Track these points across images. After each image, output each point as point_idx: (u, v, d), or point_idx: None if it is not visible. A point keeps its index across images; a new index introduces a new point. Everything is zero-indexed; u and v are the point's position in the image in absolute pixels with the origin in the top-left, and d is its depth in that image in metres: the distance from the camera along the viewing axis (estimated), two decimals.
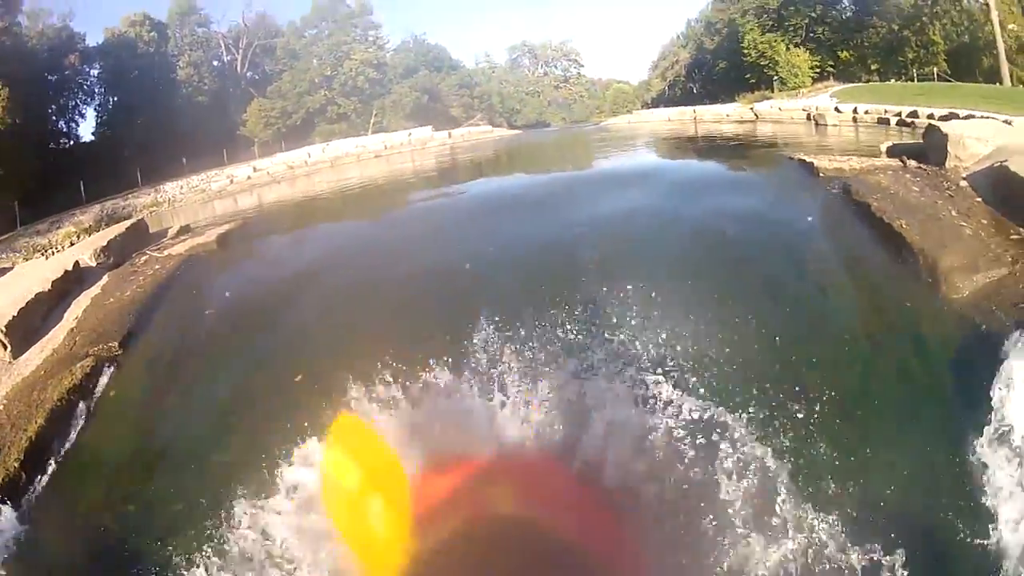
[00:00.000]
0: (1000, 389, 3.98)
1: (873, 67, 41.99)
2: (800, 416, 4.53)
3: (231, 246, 11.14)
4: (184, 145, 36.36)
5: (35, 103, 33.66)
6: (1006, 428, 3.83)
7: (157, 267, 9.65)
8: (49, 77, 37.78)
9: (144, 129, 38.49)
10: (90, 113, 42.24)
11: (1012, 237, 5.59)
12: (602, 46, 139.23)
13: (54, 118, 39.36)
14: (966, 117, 13.77)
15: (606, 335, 5.54)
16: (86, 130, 42.56)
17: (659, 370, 5.01)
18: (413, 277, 7.71)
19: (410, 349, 5.61)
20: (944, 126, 7.89)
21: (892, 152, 9.80)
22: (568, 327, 5.70)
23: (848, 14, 46.33)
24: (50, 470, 5.39)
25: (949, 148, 7.30)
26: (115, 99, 41.61)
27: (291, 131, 47.67)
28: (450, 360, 5.42)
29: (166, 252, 10.58)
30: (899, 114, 23.70)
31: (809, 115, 29.37)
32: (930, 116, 20.58)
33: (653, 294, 5.97)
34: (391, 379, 5.31)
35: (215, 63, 49.97)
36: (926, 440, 4.19)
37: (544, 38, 70.19)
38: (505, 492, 4.62)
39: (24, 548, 4.61)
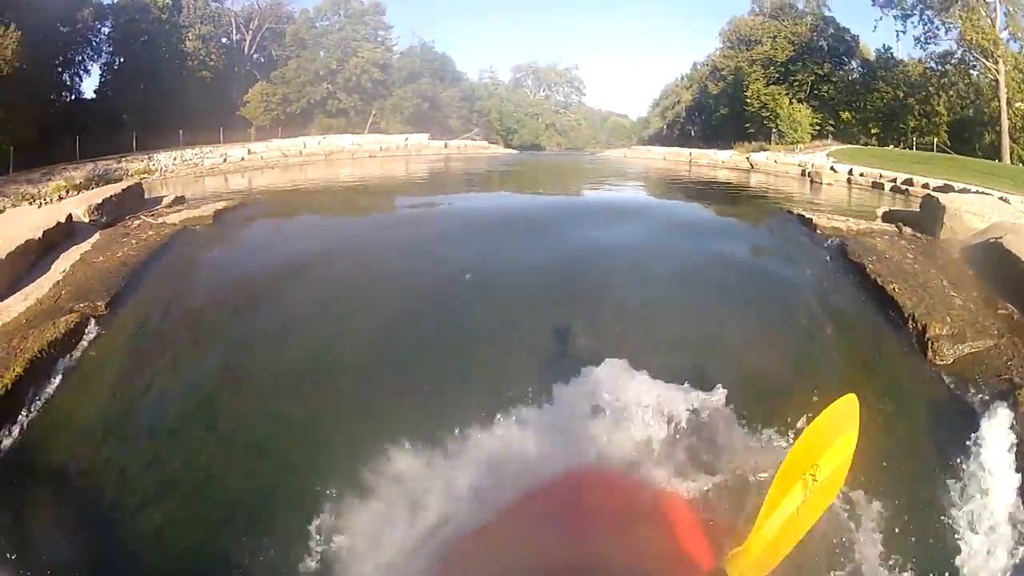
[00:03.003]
0: (978, 451, 4.18)
1: (873, 131, 42.68)
2: None
3: (228, 223, 11.06)
4: (183, 118, 36.01)
5: (44, 53, 33.13)
6: (982, 489, 4.04)
7: (151, 233, 9.53)
8: (61, 28, 37.09)
9: (145, 95, 38.23)
10: (95, 71, 41.66)
11: (1000, 311, 5.78)
12: (605, 77, 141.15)
13: (59, 71, 38.64)
14: (961, 190, 14.10)
15: None
16: (88, 87, 41.94)
17: None
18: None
19: None
20: (942, 198, 8.12)
21: (887, 217, 10.03)
22: None
23: (855, 75, 47.12)
24: (21, 423, 5.24)
25: (945, 220, 7.51)
26: (121, 60, 41.08)
27: (289, 119, 47.55)
28: None
29: (160, 220, 10.46)
30: (894, 180, 24.21)
31: (804, 171, 29.89)
32: (925, 185, 21.09)
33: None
34: None
35: (223, 40, 49.70)
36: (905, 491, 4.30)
37: (549, 61, 70.37)
38: None
39: None
